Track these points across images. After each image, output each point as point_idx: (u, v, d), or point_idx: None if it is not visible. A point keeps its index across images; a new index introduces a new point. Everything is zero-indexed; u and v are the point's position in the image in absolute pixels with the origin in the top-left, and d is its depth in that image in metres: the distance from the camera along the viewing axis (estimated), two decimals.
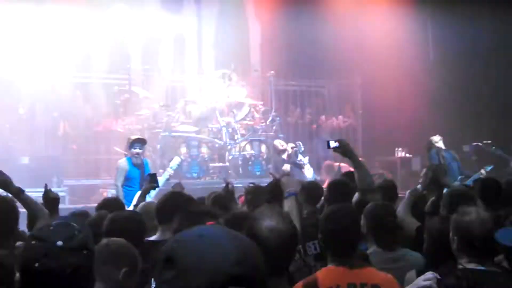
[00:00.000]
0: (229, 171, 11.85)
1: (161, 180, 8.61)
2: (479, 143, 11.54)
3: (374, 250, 4.09)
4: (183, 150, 11.65)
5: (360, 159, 5.46)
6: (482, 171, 10.13)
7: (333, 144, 5.16)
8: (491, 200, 5.25)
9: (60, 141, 13.09)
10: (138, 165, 8.81)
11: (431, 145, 10.91)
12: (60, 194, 6.79)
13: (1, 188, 4.11)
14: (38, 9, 13.34)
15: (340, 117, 15.23)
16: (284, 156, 12.08)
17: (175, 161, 9.23)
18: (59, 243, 2.15)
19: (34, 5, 13.14)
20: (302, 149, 12.39)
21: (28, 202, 4.22)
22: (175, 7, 14.66)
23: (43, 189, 4.53)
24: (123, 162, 8.91)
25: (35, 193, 4.69)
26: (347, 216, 3.47)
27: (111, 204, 5.20)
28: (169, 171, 9.06)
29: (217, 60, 14.32)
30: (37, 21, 13.31)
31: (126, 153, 9.16)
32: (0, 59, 12.64)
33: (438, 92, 14.37)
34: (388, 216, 4.18)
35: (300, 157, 12.14)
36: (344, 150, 5.17)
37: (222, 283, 1.43)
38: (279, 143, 12.25)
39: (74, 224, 2.25)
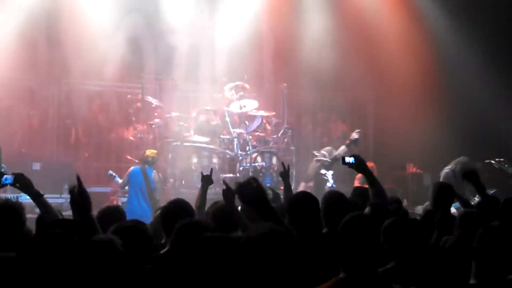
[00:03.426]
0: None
1: None
2: (492, 161, 11.46)
3: (393, 266, 3.96)
4: (194, 160, 11.66)
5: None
6: None
7: (348, 159, 5.19)
8: None
9: (72, 148, 13.13)
10: None
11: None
12: None
13: (23, 190, 4.21)
14: (54, 15, 13.44)
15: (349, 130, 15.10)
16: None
17: None
18: None
19: (51, 10, 13.23)
20: (328, 160, 11.52)
21: (45, 205, 4.29)
22: (190, 16, 14.72)
23: (54, 195, 4.58)
24: None
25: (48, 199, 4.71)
26: (367, 225, 3.33)
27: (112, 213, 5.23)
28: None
29: (230, 71, 14.35)
30: (51, 28, 13.40)
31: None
32: (15, 65, 12.69)
33: (451, 107, 14.19)
34: (411, 231, 4.05)
35: (323, 170, 11.38)
36: (359, 166, 5.19)
37: None
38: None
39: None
